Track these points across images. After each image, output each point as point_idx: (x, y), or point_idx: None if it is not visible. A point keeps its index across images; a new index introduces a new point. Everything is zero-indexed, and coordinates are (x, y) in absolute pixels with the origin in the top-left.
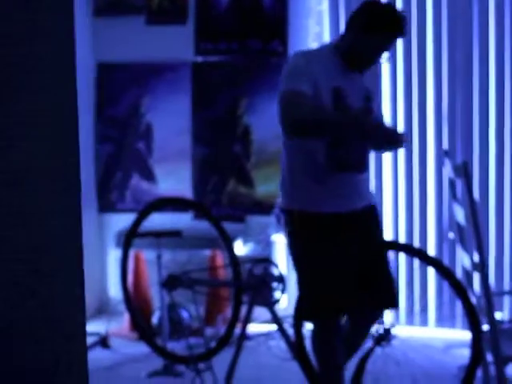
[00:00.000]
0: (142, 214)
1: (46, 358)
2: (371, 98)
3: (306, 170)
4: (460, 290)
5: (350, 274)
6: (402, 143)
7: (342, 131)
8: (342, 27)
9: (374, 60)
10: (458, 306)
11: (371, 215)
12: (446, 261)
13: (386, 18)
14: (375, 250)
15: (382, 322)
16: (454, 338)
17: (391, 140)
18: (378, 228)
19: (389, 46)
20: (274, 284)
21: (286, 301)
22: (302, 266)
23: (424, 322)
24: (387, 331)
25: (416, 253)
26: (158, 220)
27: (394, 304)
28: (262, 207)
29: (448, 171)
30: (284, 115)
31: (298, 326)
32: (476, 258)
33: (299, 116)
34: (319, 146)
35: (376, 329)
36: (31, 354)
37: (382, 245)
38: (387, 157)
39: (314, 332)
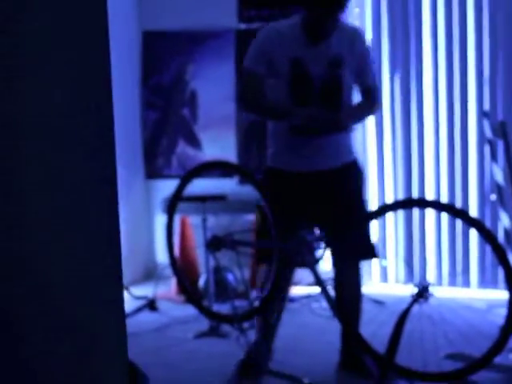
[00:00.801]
0: (187, 178)
1: None
2: (340, 62)
3: (276, 133)
4: (499, 251)
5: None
6: (342, 127)
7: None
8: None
9: (326, 29)
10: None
11: (342, 173)
12: (488, 222)
13: None
14: (346, 204)
15: (422, 280)
16: (496, 298)
17: (331, 128)
18: (351, 185)
19: (332, 15)
20: (315, 244)
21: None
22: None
23: (466, 283)
24: (425, 288)
25: (458, 213)
26: (203, 185)
27: (369, 255)
28: None
29: (487, 132)
30: (241, 95)
31: (338, 286)
32: None
33: (251, 104)
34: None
35: (413, 286)
36: None
37: (355, 200)
38: (428, 117)
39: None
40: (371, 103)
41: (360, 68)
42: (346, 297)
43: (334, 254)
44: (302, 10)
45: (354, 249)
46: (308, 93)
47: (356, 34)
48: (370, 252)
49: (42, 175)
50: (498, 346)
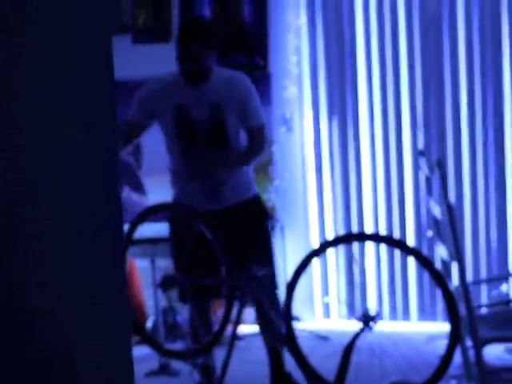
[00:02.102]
0: (136, 222)
1: None
2: (220, 108)
3: (174, 173)
4: (437, 276)
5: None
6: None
7: None
8: (320, 40)
9: (187, 67)
10: (439, 300)
11: (239, 213)
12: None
13: (179, 30)
14: (248, 238)
15: (365, 312)
16: (435, 330)
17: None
18: (252, 220)
19: (189, 51)
20: (265, 280)
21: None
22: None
23: (406, 316)
24: (369, 318)
25: (396, 244)
26: (150, 229)
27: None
28: None
29: (424, 169)
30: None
31: (288, 321)
32: (452, 249)
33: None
34: (174, 157)
35: (357, 318)
36: None
37: (255, 233)
38: (365, 156)
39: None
40: (255, 146)
41: (243, 111)
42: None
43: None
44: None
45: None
46: (194, 137)
47: (234, 79)
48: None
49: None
50: (438, 373)
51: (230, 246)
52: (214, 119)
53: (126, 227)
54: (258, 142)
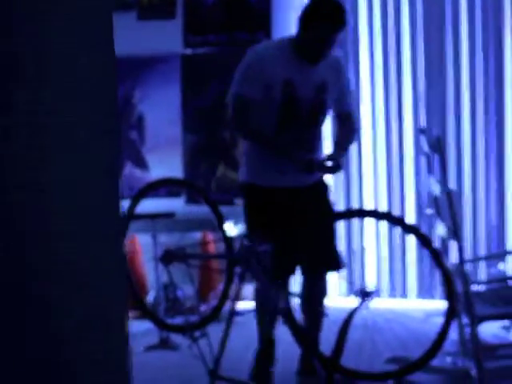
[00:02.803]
0: (137, 197)
1: None
2: (325, 88)
3: (258, 150)
4: (436, 255)
5: (292, 240)
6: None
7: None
8: None
9: (322, 51)
10: (438, 278)
11: (316, 190)
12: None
13: (319, 10)
14: (321, 219)
15: (363, 287)
16: (433, 308)
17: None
18: (323, 200)
19: (331, 36)
20: (264, 256)
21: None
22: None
23: (405, 294)
24: (367, 294)
25: (396, 221)
26: (151, 205)
27: (337, 266)
28: None
29: (424, 147)
30: (233, 120)
31: (286, 296)
32: (451, 226)
33: (243, 130)
34: (269, 131)
35: (355, 293)
36: None
37: (326, 215)
38: (367, 134)
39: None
40: (351, 129)
41: (340, 94)
42: (312, 306)
43: (306, 266)
44: (294, 32)
45: (327, 260)
46: (295, 115)
47: (339, 63)
48: (339, 263)
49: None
50: (433, 350)
51: (300, 224)
52: (317, 99)
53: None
54: (352, 125)
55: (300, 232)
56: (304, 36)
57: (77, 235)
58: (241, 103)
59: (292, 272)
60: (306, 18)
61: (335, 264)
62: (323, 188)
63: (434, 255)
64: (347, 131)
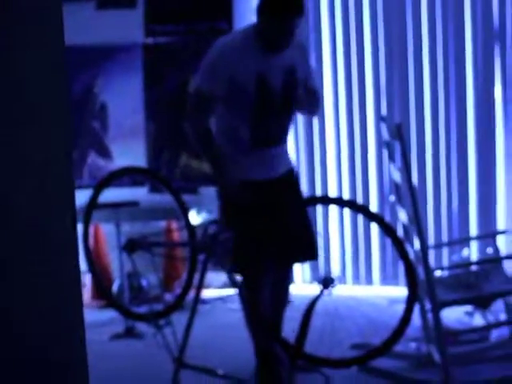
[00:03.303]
0: (100, 186)
1: None
2: (294, 71)
3: (232, 143)
4: (398, 243)
5: (271, 232)
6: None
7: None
8: None
9: (284, 41)
10: (401, 264)
11: (289, 180)
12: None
13: (276, 0)
14: (295, 209)
15: (325, 274)
16: (397, 294)
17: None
18: (296, 190)
19: (290, 25)
20: (227, 243)
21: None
22: (232, 225)
23: (369, 280)
24: (329, 280)
25: (359, 209)
26: (115, 194)
27: (314, 256)
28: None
29: (385, 134)
30: (188, 115)
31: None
32: (411, 214)
33: (195, 127)
34: (242, 125)
35: (318, 281)
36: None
37: (301, 204)
38: (329, 122)
39: (244, 284)
40: (313, 105)
41: (306, 76)
42: (276, 296)
43: (277, 256)
44: (256, 21)
45: (303, 250)
46: (270, 106)
47: (303, 46)
48: (316, 252)
49: None
50: (395, 335)
51: (270, 214)
52: (287, 83)
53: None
54: (316, 102)
55: (273, 223)
56: (264, 26)
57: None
58: (200, 98)
59: (267, 264)
60: (264, 8)
61: (312, 253)
62: (293, 179)
63: (397, 244)
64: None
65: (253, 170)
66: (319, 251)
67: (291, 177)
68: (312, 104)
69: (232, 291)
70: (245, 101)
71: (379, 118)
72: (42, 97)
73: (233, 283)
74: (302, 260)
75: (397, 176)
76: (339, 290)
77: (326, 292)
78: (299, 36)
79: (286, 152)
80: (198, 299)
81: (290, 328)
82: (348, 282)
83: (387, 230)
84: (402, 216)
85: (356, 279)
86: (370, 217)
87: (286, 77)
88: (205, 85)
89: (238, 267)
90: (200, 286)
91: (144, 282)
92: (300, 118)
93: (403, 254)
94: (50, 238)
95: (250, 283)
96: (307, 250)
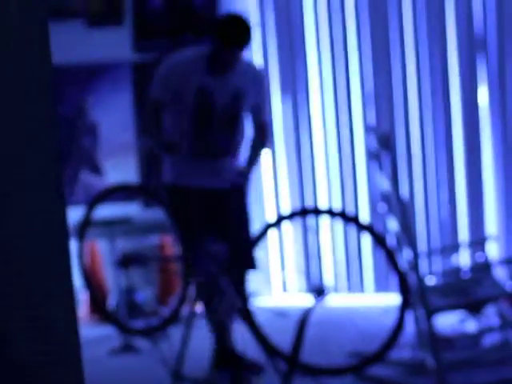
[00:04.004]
0: (93, 204)
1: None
2: (241, 96)
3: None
4: (389, 254)
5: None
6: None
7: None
8: (271, 18)
9: (229, 65)
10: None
11: (232, 193)
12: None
13: (225, 31)
14: (235, 220)
15: (317, 284)
16: (391, 301)
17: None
18: (238, 202)
19: (235, 55)
20: (219, 256)
21: None
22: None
23: (362, 288)
24: (321, 289)
25: (350, 220)
26: (109, 211)
27: (252, 265)
28: None
29: (372, 144)
30: (145, 121)
31: (244, 296)
32: (402, 222)
33: (150, 131)
34: (184, 135)
35: (310, 290)
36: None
37: (241, 217)
38: (318, 132)
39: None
40: (263, 139)
41: (257, 105)
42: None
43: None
44: (208, 42)
45: (244, 260)
46: (209, 121)
47: (259, 74)
48: (253, 263)
49: None
50: (389, 343)
51: (214, 224)
52: (231, 106)
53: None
54: (266, 135)
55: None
56: (213, 50)
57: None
58: (152, 105)
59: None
60: (215, 35)
61: (250, 264)
62: (243, 193)
63: (388, 255)
64: (260, 139)
65: (191, 176)
66: (257, 263)
67: (234, 191)
68: (259, 141)
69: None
70: (185, 113)
71: (367, 128)
72: (28, 117)
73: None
74: (242, 269)
75: (386, 185)
76: (332, 299)
77: (319, 302)
78: (259, 64)
79: (229, 167)
80: (192, 313)
81: (288, 340)
82: (341, 291)
83: (378, 240)
84: (393, 225)
85: (349, 288)
86: (361, 227)
87: (232, 98)
88: (155, 94)
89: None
90: (195, 300)
91: (140, 297)
92: (288, 127)
93: (394, 265)
94: (41, 253)
95: (198, 290)
96: (245, 261)
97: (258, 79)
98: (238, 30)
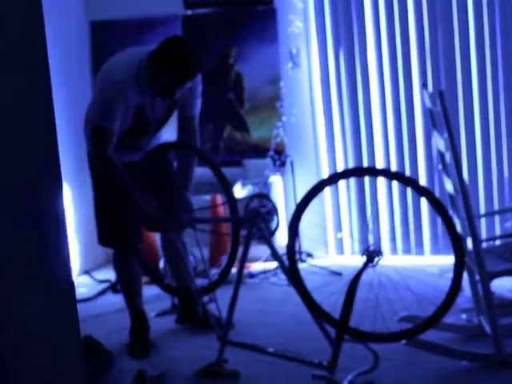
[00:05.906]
0: None
1: None
2: (176, 105)
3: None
4: (446, 218)
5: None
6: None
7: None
8: None
9: (167, 93)
10: None
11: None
12: (436, 189)
13: (170, 64)
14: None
15: (369, 247)
16: (448, 264)
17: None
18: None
19: (179, 85)
20: (269, 217)
21: (282, 235)
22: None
23: (420, 250)
24: (373, 253)
25: (408, 182)
26: None
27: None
28: (258, 151)
29: (427, 101)
30: (93, 146)
31: (291, 255)
32: (456, 184)
33: (99, 160)
34: (120, 140)
35: (362, 253)
36: None
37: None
38: (374, 91)
39: (113, 254)
40: (193, 134)
41: (186, 100)
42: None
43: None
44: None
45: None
46: (143, 132)
47: (195, 81)
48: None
49: None
50: (444, 307)
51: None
52: (166, 116)
53: None
54: (194, 129)
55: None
56: (155, 77)
57: None
58: (100, 134)
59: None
60: (160, 64)
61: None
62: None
63: (446, 221)
64: (188, 133)
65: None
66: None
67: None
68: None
69: (274, 265)
70: (123, 125)
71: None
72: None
73: (271, 250)
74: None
75: (441, 145)
76: (388, 261)
77: (370, 265)
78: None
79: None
80: (241, 274)
81: (340, 301)
82: (398, 252)
83: (436, 206)
84: (448, 186)
85: (406, 249)
86: (419, 191)
87: (167, 110)
88: (104, 123)
89: (104, 239)
90: (243, 261)
91: (191, 258)
92: (344, 86)
93: (452, 232)
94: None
95: (119, 252)
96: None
97: (194, 86)
98: (192, 66)
